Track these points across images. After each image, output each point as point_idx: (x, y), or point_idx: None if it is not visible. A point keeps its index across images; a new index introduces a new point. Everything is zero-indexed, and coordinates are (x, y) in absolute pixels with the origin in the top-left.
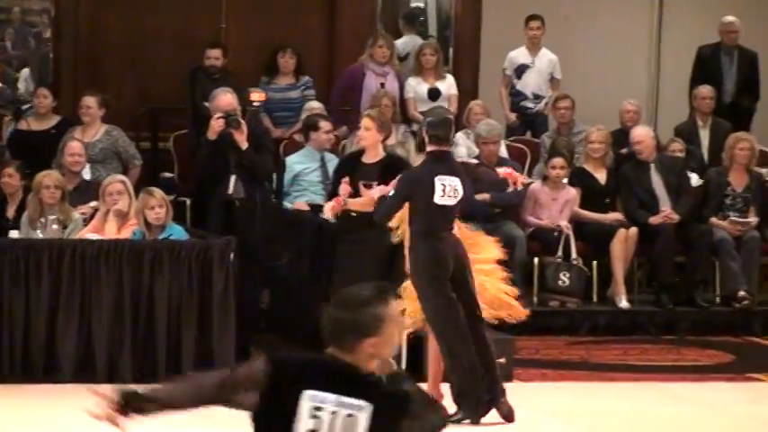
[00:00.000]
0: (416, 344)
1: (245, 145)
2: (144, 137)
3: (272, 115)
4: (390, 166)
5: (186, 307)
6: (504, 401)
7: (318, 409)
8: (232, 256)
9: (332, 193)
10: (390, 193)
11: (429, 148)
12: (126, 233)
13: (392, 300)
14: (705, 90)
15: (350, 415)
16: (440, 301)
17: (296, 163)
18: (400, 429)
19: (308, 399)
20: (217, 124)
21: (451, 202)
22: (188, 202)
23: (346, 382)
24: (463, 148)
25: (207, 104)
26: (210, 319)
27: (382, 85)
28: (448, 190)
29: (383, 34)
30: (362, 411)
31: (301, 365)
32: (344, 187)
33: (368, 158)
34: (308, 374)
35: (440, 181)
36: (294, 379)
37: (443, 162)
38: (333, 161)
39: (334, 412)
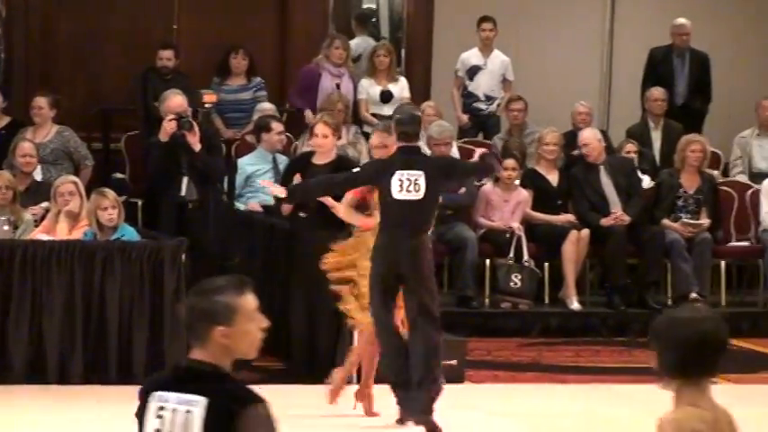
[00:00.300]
0: None
1: (198, 147)
2: (95, 137)
3: (224, 116)
4: (341, 168)
5: (138, 308)
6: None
7: (162, 408)
8: (184, 257)
9: None
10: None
11: (398, 144)
12: (77, 234)
13: (249, 293)
14: (657, 92)
15: (188, 411)
16: (374, 302)
17: (248, 164)
18: (238, 426)
19: (155, 399)
20: (169, 126)
21: (411, 197)
22: (140, 203)
23: (190, 378)
24: None
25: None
26: (162, 320)
27: (338, 86)
28: (406, 185)
29: (339, 35)
30: (197, 406)
31: (158, 373)
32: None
33: (319, 160)
34: (160, 378)
35: (398, 176)
36: (149, 385)
37: (409, 156)
38: (285, 162)
39: (174, 410)
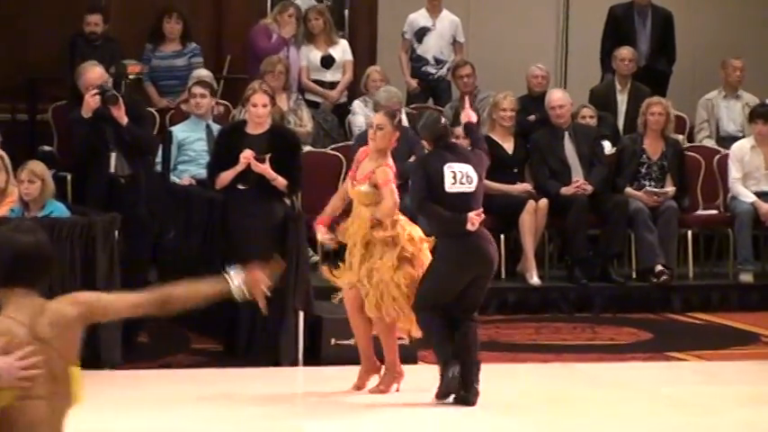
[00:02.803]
0: (315, 327)
1: (125, 120)
2: (21, 108)
3: (158, 84)
4: (278, 137)
5: (69, 288)
6: None
7: None
8: (117, 233)
9: (214, 165)
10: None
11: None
12: (3, 211)
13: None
14: (626, 51)
15: None
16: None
17: (180, 131)
18: None
19: None
20: (93, 101)
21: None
22: (69, 177)
23: None
24: (361, 116)
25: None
26: None
27: (287, 50)
28: (459, 177)
29: (293, 3)
30: None
31: None
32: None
33: (253, 129)
34: None
35: (449, 168)
36: None
37: (452, 151)
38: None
39: None
